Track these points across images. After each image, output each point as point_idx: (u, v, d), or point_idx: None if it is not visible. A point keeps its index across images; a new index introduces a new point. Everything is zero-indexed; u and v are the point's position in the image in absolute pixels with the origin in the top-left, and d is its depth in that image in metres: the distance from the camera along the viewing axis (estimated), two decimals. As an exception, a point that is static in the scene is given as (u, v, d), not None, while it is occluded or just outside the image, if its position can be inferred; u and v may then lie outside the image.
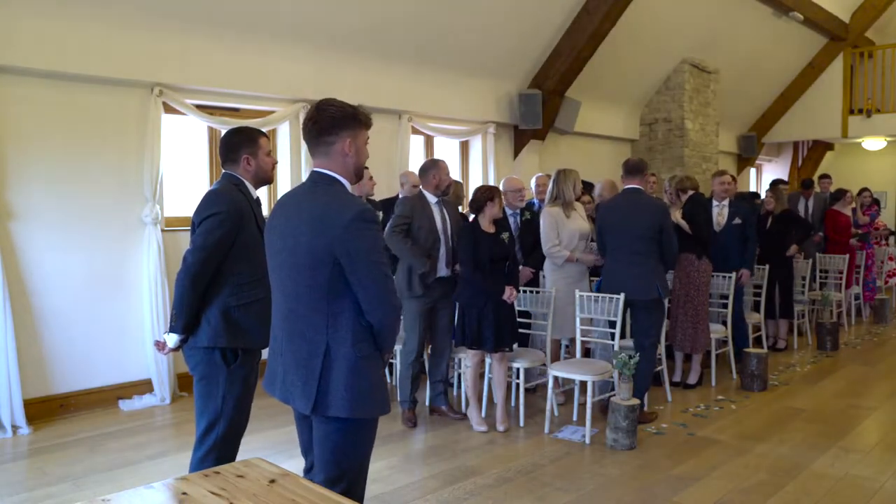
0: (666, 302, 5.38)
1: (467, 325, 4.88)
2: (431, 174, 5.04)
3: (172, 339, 3.06)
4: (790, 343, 7.72)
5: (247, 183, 3.21)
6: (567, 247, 5.42)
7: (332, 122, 2.46)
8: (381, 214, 5.98)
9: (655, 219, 4.99)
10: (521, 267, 5.67)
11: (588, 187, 6.59)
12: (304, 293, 2.43)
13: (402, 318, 5.17)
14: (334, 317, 2.41)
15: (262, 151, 3.22)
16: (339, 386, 2.40)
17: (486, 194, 4.89)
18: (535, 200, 6.44)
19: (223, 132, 3.66)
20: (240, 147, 3.19)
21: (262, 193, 3.41)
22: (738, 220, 6.45)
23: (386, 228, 5.02)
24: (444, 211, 5.11)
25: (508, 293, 4.80)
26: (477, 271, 4.79)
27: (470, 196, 5.06)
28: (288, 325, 2.50)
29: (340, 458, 2.49)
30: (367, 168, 5.58)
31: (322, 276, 2.38)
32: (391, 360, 5.98)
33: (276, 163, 3.35)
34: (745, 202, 7.46)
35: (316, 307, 2.42)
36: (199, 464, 3.07)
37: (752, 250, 6.61)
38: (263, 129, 6.28)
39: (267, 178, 3.29)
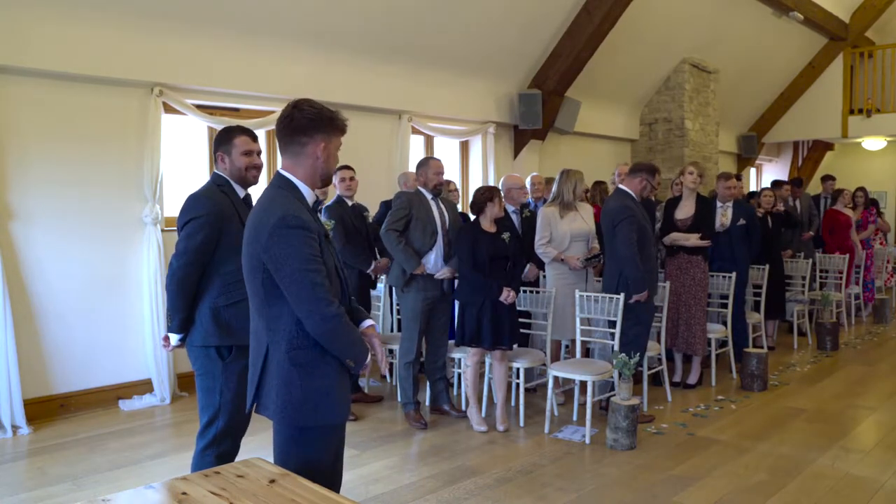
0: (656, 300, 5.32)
1: (466, 323, 4.89)
2: (420, 171, 5.09)
3: (174, 339, 3.15)
4: (790, 343, 7.72)
5: (232, 182, 3.16)
6: (557, 247, 5.43)
7: (308, 123, 2.39)
8: (370, 215, 5.97)
9: (608, 221, 5.09)
10: (529, 265, 5.71)
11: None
12: (252, 295, 2.45)
13: (400, 317, 5.26)
14: (274, 321, 2.39)
15: (236, 150, 3.13)
16: (271, 390, 2.40)
17: (486, 195, 4.91)
18: (531, 200, 6.48)
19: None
20: (217, 144, 3.16)
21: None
22: (742, 222, 6.46)
23: (382, 225, 5.03)
24: (442, 207, 5.12)
25: (506, 294, 4.80)
26: (474, 270, 4.80)
27: (470, 197, 5.07)
28: (251, 323, 2.53)
29: (285, 458, 2.46)
30: (351, 168, 5.59)
31: (257, 282, 2.38)
32: (390, 361, 5.97)
33: (255, 164, 3.18)
34: (746, 203, 7.45)
35: (259, 310, 2.44)
36: (200, 456, 3.14)
37: (755, 250, 6.64)
38: (263, 130, 6.37)
39: (242, 178, 3.17)
